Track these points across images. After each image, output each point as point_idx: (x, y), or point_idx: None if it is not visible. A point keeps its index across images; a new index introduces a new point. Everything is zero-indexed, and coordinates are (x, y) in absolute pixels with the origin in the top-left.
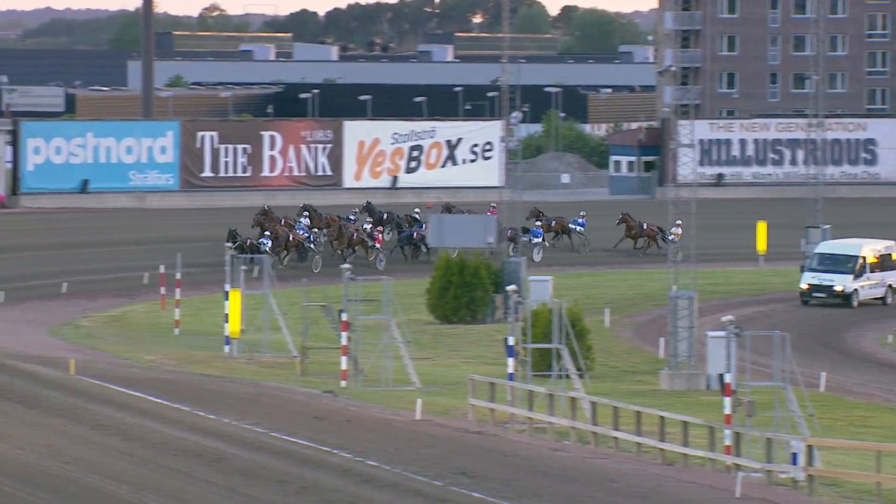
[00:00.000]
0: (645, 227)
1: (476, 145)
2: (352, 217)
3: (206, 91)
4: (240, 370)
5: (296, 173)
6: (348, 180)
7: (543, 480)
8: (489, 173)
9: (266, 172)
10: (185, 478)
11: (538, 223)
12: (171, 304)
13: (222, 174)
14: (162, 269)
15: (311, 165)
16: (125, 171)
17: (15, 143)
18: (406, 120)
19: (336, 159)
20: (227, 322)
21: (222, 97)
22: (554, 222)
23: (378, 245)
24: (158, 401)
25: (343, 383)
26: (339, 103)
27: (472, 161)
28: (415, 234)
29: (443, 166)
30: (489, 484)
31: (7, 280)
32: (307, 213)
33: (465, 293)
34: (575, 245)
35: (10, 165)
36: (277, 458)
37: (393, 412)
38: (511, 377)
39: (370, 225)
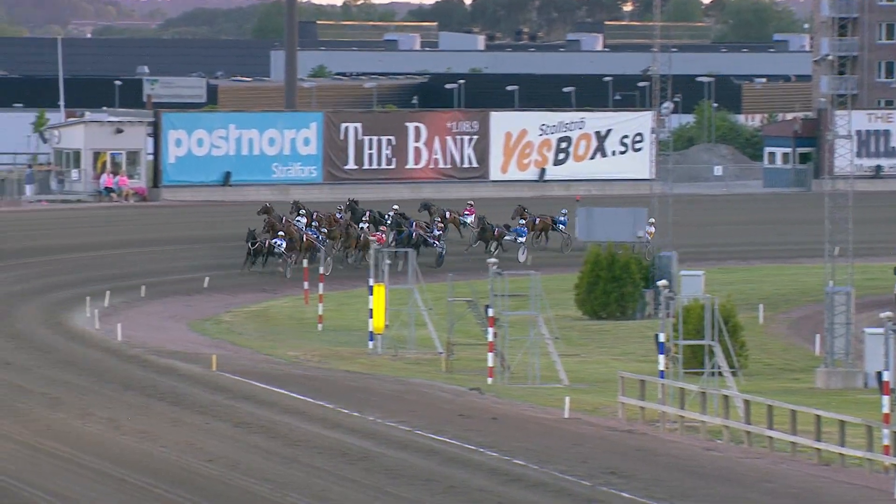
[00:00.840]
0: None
1: (626, 136)
2: (338, 216)
3: (350, 81)
4: (384, 367)
5: (441, 165)
6: (495, 172)
7: (695, 481)
8: (639, 165)
9: (411, 164)
10: (329, 476)
11: (522, 221)
12: (315, 299)
13: (366, 166)
14: (305, 263)
15: (457, 157)
16: (268, 163)
17: (156, 134)
18: (554, 110)
19: (482, 151)
20: (371, 317)
21: (366, 87)
22: (538, 220)
23: (381, 246)
24: (301, 398)
25: (489, 380)
26: (486, 93)
27: (622, 153)
28: (413, 235)
29: (592, 158)
30: (639, 484)
31: (148, 274)
32: (302, 212)
33: (615, 288)
34: (558, 244)
35: (151, 157)
36: (423, 456)
37: (540, 410)
38: (662, 374)
39: (367, 224)
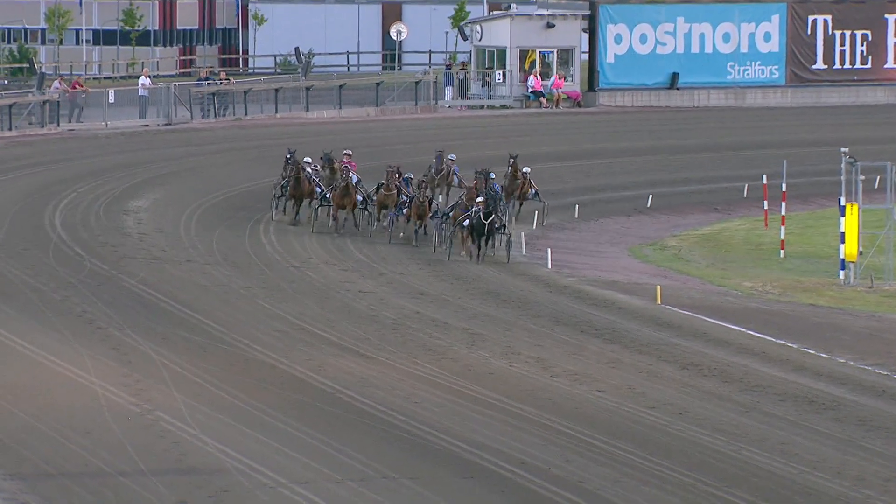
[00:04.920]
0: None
1: None
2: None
3: None
4: (857, 300)
5: None
6: None
7: None
8: None
9: (889, 64)
10: (791, 427)
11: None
12: (776, 222)
13: (836, 66)
14: (764, 179)
15: None
16: (721, 62)
17: (592, 30)
18: None
19: None
20: (842, 243)
21: None
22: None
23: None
24: (760, 336)
25: None
26: None
27: None
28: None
29: None
30: None
31: (581, 192)
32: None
33: None
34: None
35: (585, 57)
36: None
37: None
38: None
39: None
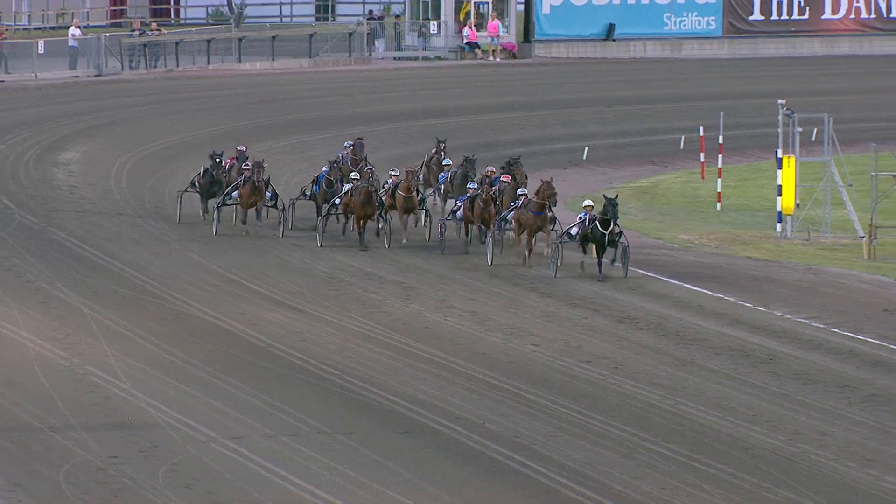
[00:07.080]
0: None
1: None
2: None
3: None
4: (794, 253)
5: (863, 16)
6: None
7: None
8: None
9: (827, 15)
10: (728, 381)
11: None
12: (712, 174)
13: (774, 17)
14: (701, 131)
15: (883, 6)
16: (658, 13)
17: None
18: None
19: None
20: (779, 195)
21: None
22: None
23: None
24: (696, 289)
25: None
26: None
27: None
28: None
29: None
30: None
31: (518, 144)
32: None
33: None
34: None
35: (521, 7)
36: (839, 358)
37: None
38: None
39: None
